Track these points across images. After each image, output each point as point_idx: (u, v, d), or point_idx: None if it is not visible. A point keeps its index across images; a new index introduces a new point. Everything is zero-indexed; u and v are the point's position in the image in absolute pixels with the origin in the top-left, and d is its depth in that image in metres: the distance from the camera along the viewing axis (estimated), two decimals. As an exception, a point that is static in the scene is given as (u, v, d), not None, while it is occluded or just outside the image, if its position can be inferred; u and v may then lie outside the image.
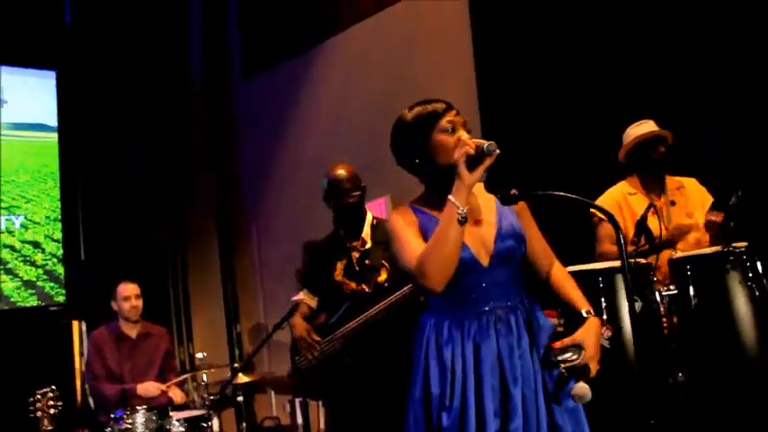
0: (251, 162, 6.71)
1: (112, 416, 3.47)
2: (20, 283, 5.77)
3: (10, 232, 5.82)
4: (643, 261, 3.14)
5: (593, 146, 4.08)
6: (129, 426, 3.44)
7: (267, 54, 6.47)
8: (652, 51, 4.01)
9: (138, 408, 3.51)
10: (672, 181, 3.66)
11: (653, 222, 3.43)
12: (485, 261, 2.03)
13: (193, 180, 6.81)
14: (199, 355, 3.82)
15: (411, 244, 2.00)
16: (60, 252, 5.98)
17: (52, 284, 5.91)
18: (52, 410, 3.08)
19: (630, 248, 3.22)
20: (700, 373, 3.02)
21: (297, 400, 6.20)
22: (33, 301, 5.80)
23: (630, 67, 4.07)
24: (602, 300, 3.01)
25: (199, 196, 6.80)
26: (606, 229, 3.58)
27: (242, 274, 6.57)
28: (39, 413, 3.05)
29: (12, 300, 5.71)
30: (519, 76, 4.56)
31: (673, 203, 3.59)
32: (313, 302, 3.47)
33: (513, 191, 2.09)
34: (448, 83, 4.92)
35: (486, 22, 4.73)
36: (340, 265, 3.34)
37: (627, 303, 2.93)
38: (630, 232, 3.53)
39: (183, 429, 3.65)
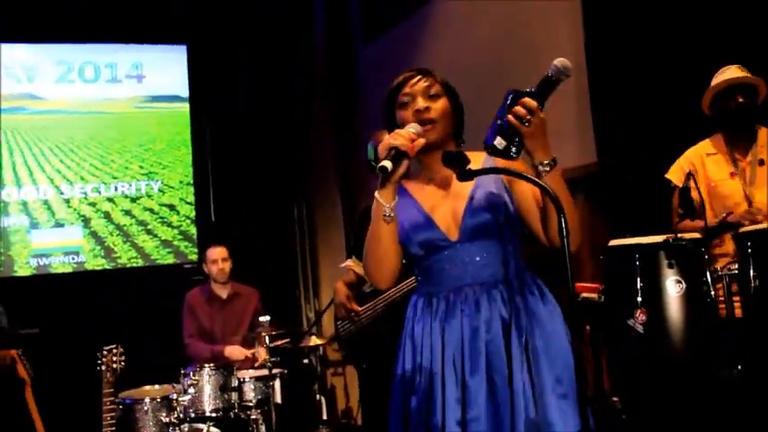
0: (372, 125, 6.78)
1: (182, 371, 3.74)
2: (158, 242, 6.35)
3: (149, 196, 6.41)
4: (690, 236, 2.74)
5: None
6: (196, 381, 3.70)
7: (385, 17, 6.48)
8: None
9: (205, 365, 3.75)
10: (763, 132, 3.14)
11: (728, 187, 3.01)
12: (453, 236, 1.88)
13: (317, 143, 7.01)
14: (263, 319, 3.92)
15: (368, 234, 1.89)
16: (193, 214, 6.49)
17: (186, 244, 6.44)
18: (115, 366, 3.39)
19: (691, 223, 2.83)
20: (760, 365, 2.62)
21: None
22: (170, 259, 6.37)
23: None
24: (638, 279, 2.68)
25: (322, 158, 6.99)
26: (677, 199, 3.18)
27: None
28: (103, 367, 3.38)
29: (152, 257, 6.31)
30: (628, 30, 4.18)
31: (761, 163, 3.08)
32: (360, 270, 3.46)
33: (468, 166, 1.91)
34: (556, 37, 4.67)
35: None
36: None
37: (667, 284, 2.62)
38: (706, 201, 3.12)
39: (252, 387, 3.85)
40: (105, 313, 5.65)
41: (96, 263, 6.13)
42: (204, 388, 3.71)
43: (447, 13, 5.80)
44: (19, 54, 6.12)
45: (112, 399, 3.33)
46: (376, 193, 1.80)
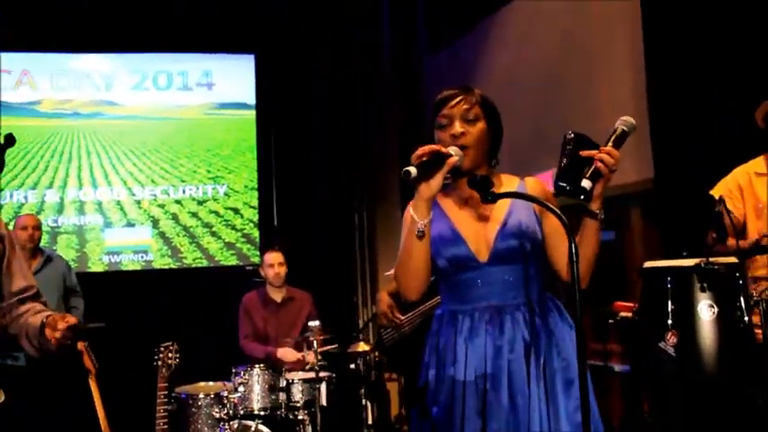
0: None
1: (234, 370, 3.91)
2: (222, 244, 6.60)
3: (215, 199, 6.67)
4: (726, 260, 2.70)
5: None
6: (246, 380, 3.86)
7: (450, 27, 6.54)
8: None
9: (255, 365, 3.91)
10: None
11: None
12: (483, 257, 1.95)
13: (381, 151, 7.12)
14: (312, 323, 4.05)
15: (401, 245, 1.97)
16: (256, 218, 6.71)
17: (249, 246, 6.66)
18: (170, 362, 3.59)
19: (724, 246, 2.79)
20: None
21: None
22: (233, 261, 6.60)
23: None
24: (669, 302, 2.65)
25: (386, 166, 7.10)
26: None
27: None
28: (159, 363, 3.57)
29: (216, 258, 6.57)
30: (689, 41, 4.10)
31: None
32: None
33: (494, 189, 1.98)
34: (616, 48, 4.62)
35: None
36: None
37: (699, 308, 2.60)
38: (749, 221, 3.07)
39: (300, 389, 3.97)
40: (169, 310, 5.92)
41: (163, 262, 6.42)
42: (254, 387, 3.87)
43: (508, 21, 5.79)
44: (99, 64, 6.48)
45: (166, 392, 3.52)
46: (410, 207, 1.88)
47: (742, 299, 2.64)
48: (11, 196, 6.17)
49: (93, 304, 5.24)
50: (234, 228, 6.66)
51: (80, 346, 3.74)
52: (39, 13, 6.03)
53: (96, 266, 6.26)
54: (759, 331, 2.64)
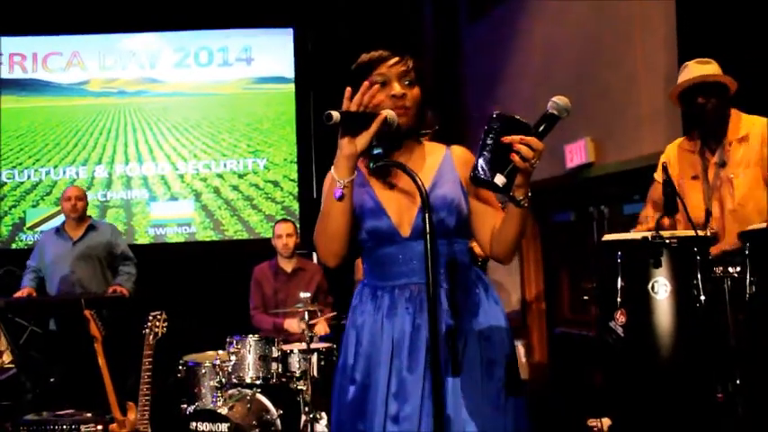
0: (474, 103, 6.71)
1: (227, 339, 3.98)
2: (263, 216, 6.73)
3: (255, 173, 6.79)
4: (682, 233, 2.47)
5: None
6: (238, 350, 3.92)
7: None
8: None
9: (248, 336, 3.97)
10: (736, 128, 2.79)
11: (688, 190, 2.74)
12: (405, 232, 1.84)
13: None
14: (303, 295, 4.06)
15: (321, 207, 1.89)
16: (296, 191, 6.79)
17: (289, 219, 6.74)
18: (157, 330, 3.70)
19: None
20: (754, 384, 2.33)
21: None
22: (273, 233, 6.70)
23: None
24: (619, 279, 2.46)
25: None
26: (656, 190, 2.92)
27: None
28: (147, 330, 3.70)
29: (257, 231, 6.71)
30: (721, 12, 3.84)
31: (722, 165, 2.78)
32: None
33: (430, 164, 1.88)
34: (650, 12, 4.50)
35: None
36: None
37: (650, 286, 2.41)
38: (689, 191, 2.86)
39: (297, 359, 4.01)
40: (213, 280, 6.11)
41: (206, 234, 6.62)
42: (245, 357, 3.93)
43: None
44: (144, 42, 6.71)
45: (150, 360, 3.64)
46: (332, 169, 1.77)
47: (699, 276, 2.42)
48: (64, 173, 6.54)
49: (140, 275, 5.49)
50: (274, 200, 6.77)
51: (87, 313, 3.91)
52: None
53: (143, 239, 6.54)
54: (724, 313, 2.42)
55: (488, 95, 6.43)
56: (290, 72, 6.84)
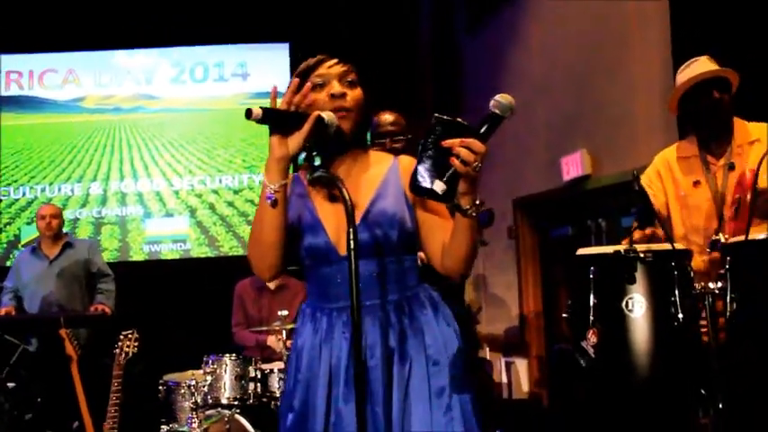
0: (472, 113, 6.62)
1: (204, 358, 3.87)
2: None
3: (251, 188, 6.74)
4: (658, 247, 2.32)
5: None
6: (214, 369, 3.81)
7: (487, 7, 6.34)
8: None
9: (225, 355, 3.86)
10: (746, 132, 2.65)
11: (695, 198, 2.58)
12: (343, 250, 1.70)
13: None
14: (281, 312, 3.96)
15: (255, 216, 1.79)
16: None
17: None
18: (128, 350, 3.60)
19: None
20: (737, 406, 2.17)
21: (503, 360, 6.06)
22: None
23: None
24: (591, 295, 2.31)
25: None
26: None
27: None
28: (117, 350, 3.60)
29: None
30: (716, 20, 3.77)
31: (731, 167, 2.61)
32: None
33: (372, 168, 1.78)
34: (646, 19, 4.45)
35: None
36: None
37: (624, 303, 2.27)
38: (673, 211, 2.72)
39: (277, 378, 3.88)
40: (208, 297, 6.02)
41: (201, 251, 6.55)
42: (221, 376, 3.82)
43: (542, 7, 5.64)
44: (139, 59, 6.70)
45: (119, 381, 3.54)
46: (262, 174, 1.67)
47: (677, 292, 2.27)
48: (59, 190, 6.51)
49: (137, 293, 5.43)
50: (270, 217, 6.67)
51: (62, 333, 3.83)
52: (83, 13, 6.29)
53: (137, 256, 6.48)
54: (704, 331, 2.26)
55: (487, 104, 6.34)
56: (285, 87, 6.75)
